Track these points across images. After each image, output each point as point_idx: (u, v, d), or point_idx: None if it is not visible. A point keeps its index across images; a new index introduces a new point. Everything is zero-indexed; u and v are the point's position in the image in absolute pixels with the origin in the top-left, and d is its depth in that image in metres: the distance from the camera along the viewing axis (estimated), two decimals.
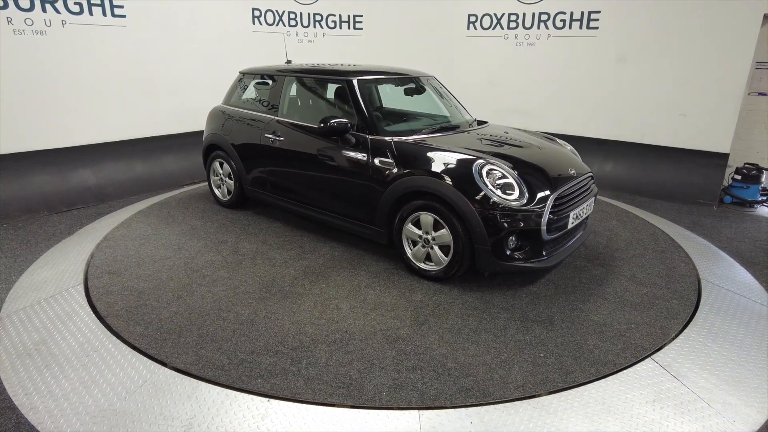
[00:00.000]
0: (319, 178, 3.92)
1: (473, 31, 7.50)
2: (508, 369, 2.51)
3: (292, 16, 7.48)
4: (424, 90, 4.31)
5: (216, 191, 5.09)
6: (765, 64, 5.93)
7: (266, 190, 4.47)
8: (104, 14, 5.48)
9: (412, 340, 2.74)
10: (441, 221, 3.24)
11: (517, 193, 3.10)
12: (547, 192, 3.18)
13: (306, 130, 4.02)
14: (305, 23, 7.66)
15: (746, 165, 5.96)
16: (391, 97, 4.85)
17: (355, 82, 3.83)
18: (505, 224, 3.05)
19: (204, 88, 6.59)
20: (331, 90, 4.13)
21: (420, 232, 3.39)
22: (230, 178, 4.85)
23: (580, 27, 6.58)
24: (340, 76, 3.95)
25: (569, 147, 4.13)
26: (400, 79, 4.25)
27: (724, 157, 5.94)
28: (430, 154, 3.34)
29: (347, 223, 3.86)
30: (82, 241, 4.17)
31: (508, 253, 3.13)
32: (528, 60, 7.14)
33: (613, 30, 6.32)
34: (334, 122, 3.57)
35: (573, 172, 3.53)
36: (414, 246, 3.50)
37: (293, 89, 4.38)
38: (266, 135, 4.27)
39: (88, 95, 5.51)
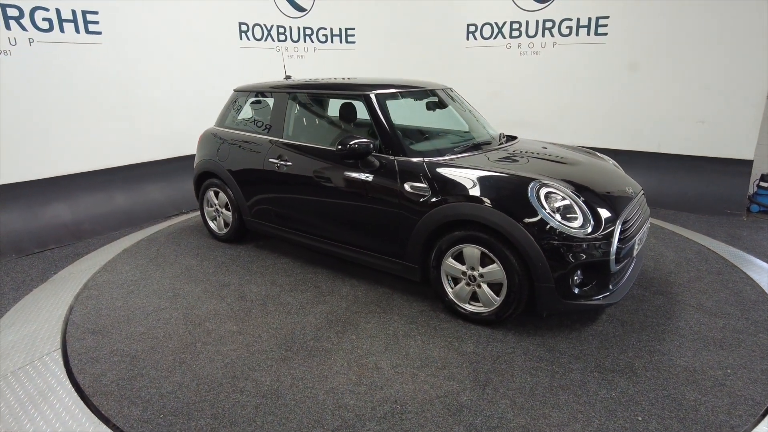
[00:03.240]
0: (337, 207, 3.41)
1: (473, 41, 7.15)
2: None
3: (282, 30, 7.03)
4: (446, 104, 3.85)
5: (211, 224, 4.53)
6: None
7: (272, 222, 3.93)
8: (77, 31, 4.92)
9: (480, 409, 2.23)
10: (490, 255, 2.77)
11: (580, 218, 2.65)
12: (612, 216, 2.74)
13: (319, 153, 3.53)
14: (295, 38, 7.22)
15: None
16: (404, 112, 4.41)
17: (373, 96, 3.35)
18: (571, 257, 2.59)
19: (189, 109, 6.04)
20: (344, 107, 3.66)
21: (463, 268, 2.91)
22: (227, 209, 4.30)
23: (588, 33, 6.27)
24: (356, 90, 3.47)
25: (611, 161, 3.73)
26: (420, 92, 3.79)
27: (748, 164, 5.65)
28: (472, 177, 2.87)
29: (372, 258, 3.35)
30: (57, 291, 3.55)
31: (576, 290, 2.67)
32: (533, 70, 6.80)
33: (623, 36, 6.03)
34: (354, 144, 3.09)
35: (630, 191, 3.11)
36: (455, 284, 3.01)
37: (299, 107, 3.88)
38: (270, 160, 3.75)
39: (59, 121, 4.91)
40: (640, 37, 5.90)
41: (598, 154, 3.77)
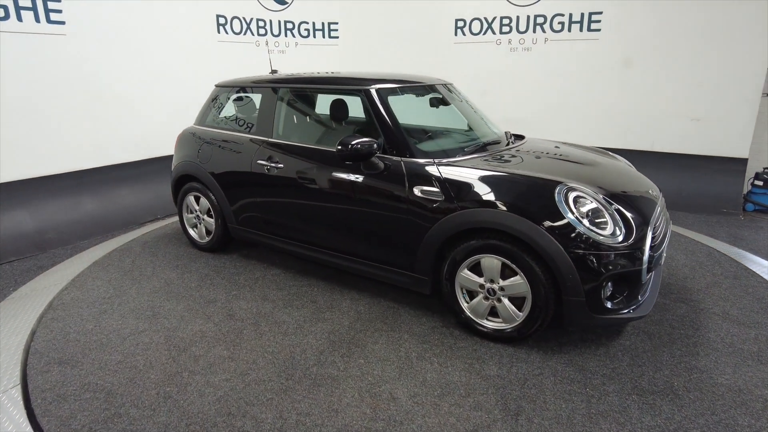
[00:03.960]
0: (335, 213, 3.10)
1: (462, 37, 6.91)
2: None
3: (261, 24, 6.65)
4: (448, 100, 3.58)
5: (191, 232, 4.14)
6: None
7: (260, 229, 3.59)
8: (37, 20, 4.45)
9: None
10: (513, 266, 2.50)
11: (611, 225, 2.42)
12: (642, 221, 2.52)
13: (315, 154, 3.21)
14: (276, 32, 6.85)
15: (766, 170, 5.63)
16: (404, 109, 4.13)
17: (374, 91, 3.05)
18: (603, 267, 2.36)
19: (164, 107, 5.62)
20: (335, 104, 3.35)
21: (481, 281, 2.64)
22: (210, 216, 3.93)
23: (581, 29, 6.11)
24: (355, 85, 3.17)
25: (623, 160, 3.52)
26: (420, 87, 3.51)
27: (743, 162, 5.58)
28: (490, 180, 2.61)
29: (376, 269, 3.05)
30: (17, 312, 3.13)
31: (608, 304, 2.43)
32: (524, 66, 6.60)
33: (617, 32, 5.88)
34: (356, 144, 2.78)
35: (654, 193, 2.91)
36: (471, 298, 2.74)
37: (290, 104, 3.55)
38: (259, 162, 3.41)
39: (17, 120, 4.43)
40: (634, 34, 5.77)
41: (611, 153, 3.57)
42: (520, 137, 3.59)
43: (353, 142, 2.78)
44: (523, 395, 2.26)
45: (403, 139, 2.89)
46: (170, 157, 5.72)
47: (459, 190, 2.62)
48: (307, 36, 7.15)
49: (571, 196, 2.44)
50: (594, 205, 2.45)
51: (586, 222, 2.39)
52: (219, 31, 6.16)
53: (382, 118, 2.97)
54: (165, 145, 5.70)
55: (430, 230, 2.71)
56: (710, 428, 2.05)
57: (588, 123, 6.30)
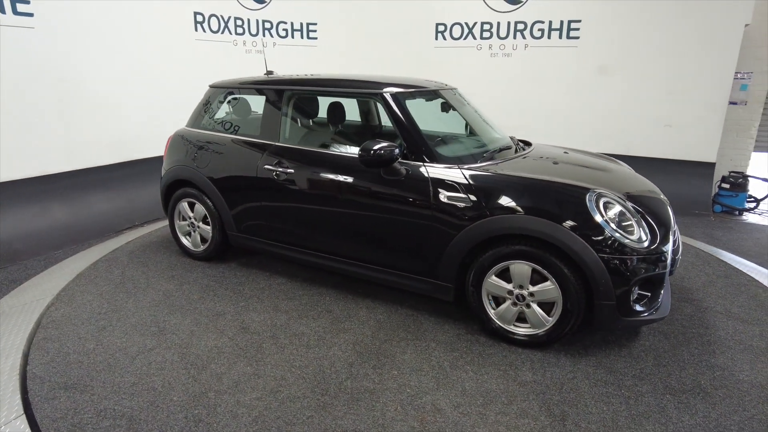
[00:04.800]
0: (352, 220, 3.01)
1: (442, 41, 6.95)
2: None
3: (239, 23, 6.43)
4: (458, 106, 3.57)
5: (184, 240, 3.92)
6: (739, 73, 6.01)
7: (267, 237, 3.44)
8: (2, 11, 4.10)
9: None
10: (544, 272, 2.51)
11: (638, 230, 2.48)
12: (663, 225, 2.60)
13: (330, 159, 3.11)
14: (253, 31, 6.64)
15: (732, 173, 5.99)
16: (415, 114, 4.09)
17: (392, 96, 3.00)
18: (633, 272, 2.41)
19: (140, 107, 5.32)
20: (365, 106, 3.27)
21: (509, 287, 2.64)
22: (206, 223, 3.73)
23: (560, 37, 6.29)
24: (371, 89, 3.10)
25: (626, 165, 3.64)
26: (430, 92, 3.48)
27: (711, 166, 5.92)
28: (519, 186, 2.61)
29: (395, 277, 2.99)
30: (1, 332, 2.84)
31: (637, 307, 2.49)
32: (504, 72, 6.72)
33: (595, 40, 6.10)
34: (379, 149, 2.71)
35: (663, 197, 3.01)
36: (497, 304, 2.73)
37: (298, 107, 3.42)
38: (266, 166, 3.27)
39: None
40: (612, 42, 6.00)
41: (614, 159, 3.68)
42: (527, 143, 3.62)
43: (375, 147, 2.71)
44: (563, 400, 2.27)
45: (425, 144, 2.85)
46: (148, 161, 5.48)
47: (488, 196, 2.60)
48: (285, 36, 6.98)
49: (601, 201, 2.49)
50: (621, 210, 2.51)
51: (616, 227, 2.43)
52: (196, 29, 5.91)
53: (402, 122, 2.91)
54: (142, 148, 5.41)
55: (456, 237, 2.68)
56: (746, 424, 2.13)
57: (567, 128, 6.48)
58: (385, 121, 4.39)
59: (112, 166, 5.15)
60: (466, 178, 2.69)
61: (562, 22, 6.22)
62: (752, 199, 5.89)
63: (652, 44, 5.80)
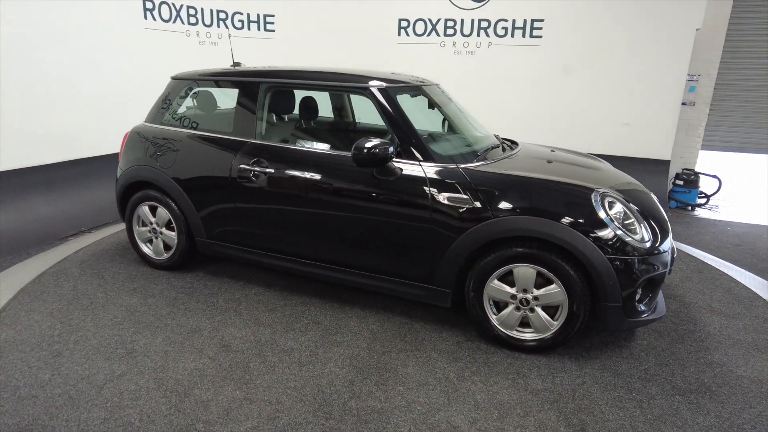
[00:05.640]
0: (340, 223, 2.80)
1: (405, 37, 6.83)
2: None
3: (192, 12, 6.00)
4: (443, 102, 3.43)
5: (144, 248, 3.54)
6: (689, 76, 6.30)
7: (242, 243, 3.15)
8: None
9: None
10: (550, 275, 2.43)
11: (641, 230, 2.45)
12: (662, 225, 2.60)
13: (315, 158, 2.88)
14: (207, 21, 6.22)
15: (684, 170, 6.28)
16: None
17: (382, 90, 2.81)
18: (639, 272, 2.37)
19: (83, 100, 4.81)
20: (338, 101, 3.05)
21: (512, 291, 2.53)
22: (170, 229, 3.39)
23: (523, 35, 6.33)
24: (358, 82, 2.89)
25: (608, 164, 3.65)
26: (413, 88, 3.31)
27: (666, 163, 6.17)
28: (523, 186, 2.51)
29: (387, 283, 2.81)
30: None
31: (640, 308, 2.46)
32: (468, 69, 6.69)
33: (557, 40, 6.18)
34: (373, 148, 2.52)
35: (654, 197, 3.02)
36: (498, 309, 2.62)
37: (276, 100, 3.16)
38: (242, 166, 2.98)
39: None
40: (573, 43, 6.10)
41: (596, 157, 3.68)
42: (513, 142, 3.54)
43: (369, 146, 2.53)
44: (578, 407, 2.19)
45: (420, 142, 2.69)
46: (95, 159, 4.97)
47: (492, 196, 2.48)
48: (242, 28, 6.60)
49: (606, 201, 2.43)
50: (624, 209, 2.46)
51: (621, 227, 2.39)
52: (146, 17, 5.43)
53: (394, 119, 2.74)
54: (86, 145, 4.90)
55: (457, 239, 2.54)
56: (756, 422, 2.13)
57: (531, 126, 6.54)
58: (360, 117, 4.20)
59: (52, 165, 4.61)
60: (467, 177, 2.55)
61: (525, 21, 6.26)
62: (703, 194, 6.20)
63: (612, 45, 5.95)
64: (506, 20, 6.32)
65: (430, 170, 2.61)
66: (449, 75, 6.68)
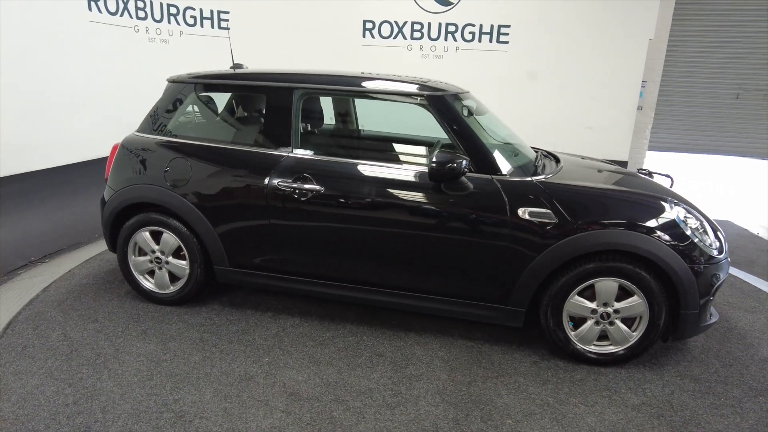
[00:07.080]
0: (403, 245, 2.56)
1: (370, 39, 6.63)
2: None
3: (141, 5, 5.33)
4: (482, 110, 3.29)
5: (143, 281, 3.00)
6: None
7: (277, 271, 2.78)
8: None
9: None
10: (633, 287, 2.40)
11: (711, 238, 2.51)
12: (719, 231, 2.68)
13: (375, 173, 2.60)
14: (157, 17, 5.57)
15: (640, 170, 6.72)
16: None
17: (444, 99, 2.62)
18: (714, 279, 2.43)
19: (16, 104, 4.01)
20: (392, 111, 2.80)
21: (593, 305, 2.47)
22: (179, 257, 2.91)
23: (490, 41, 6.42)
24: (415, 90, 2.66)
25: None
26: (453, 95, 3.11)
27: (624, 164, 6.59)
28: (601, 198, 2.47)
29: (454, 305, 2.62)
30: None
31: (711, 312, 2.52)
32: (436, 73, 6.61)
33: (523, 45, 6.35)
34: (451, 162, 2.33)
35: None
36: (576, 325, 2.55)
37: (316, 109, 2.83)
38: (281, 184, 2.62)
39: None
40: (539, 49, 6.29)
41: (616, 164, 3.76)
42: (548, 152, 3.47)
43: (448, 160, 2.33)
44: (683, 420, 2.18)
45: (489, 154, 2.54)
46: (27, 175, 4.16)
47: (574, 210, 2.40)
48: (194, 25, 6.00)
49: (681, 210, 2.45)
50: (695, 217, 2.51)
51: (697, 235, 2.42)
52: (90, 8, 4.70)
53: (459, 130, 2.55)
54: (20, 159, 4.07)
55: (538, 257, 2.42)
56: None
57: None
58: (362, 124, 3.94)
59: None
60: (545, 191, 2.44)
61: (492, 27, 6.35)
62: None
63: (574, 52, 6.23)
64: (473, 25, 6.36)
65: (505, 184, 2.46)
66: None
